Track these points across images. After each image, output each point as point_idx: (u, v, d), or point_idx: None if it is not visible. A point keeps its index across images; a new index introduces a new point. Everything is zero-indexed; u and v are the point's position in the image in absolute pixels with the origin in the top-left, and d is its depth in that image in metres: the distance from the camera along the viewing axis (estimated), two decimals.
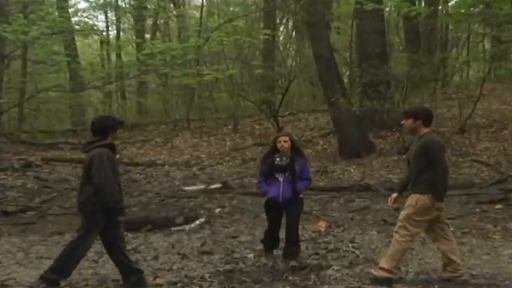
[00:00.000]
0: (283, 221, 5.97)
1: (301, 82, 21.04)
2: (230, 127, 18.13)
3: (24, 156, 15.21)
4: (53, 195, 10.40)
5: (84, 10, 23.50)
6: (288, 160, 5.82)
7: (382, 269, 4.85)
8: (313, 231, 7.12)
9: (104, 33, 24.74)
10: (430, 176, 4.77)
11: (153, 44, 17.56)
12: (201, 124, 18.67)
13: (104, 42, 24.22)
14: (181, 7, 23.42)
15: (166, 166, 14.22)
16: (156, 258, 6.04)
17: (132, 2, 23.55)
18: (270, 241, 6.09)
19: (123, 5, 23.62)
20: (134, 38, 23.71)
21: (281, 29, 25.79)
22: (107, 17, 24.52)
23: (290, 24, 24.93)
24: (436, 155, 4.78)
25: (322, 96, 16.26)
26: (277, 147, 5.89)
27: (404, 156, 9.87)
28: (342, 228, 7.39)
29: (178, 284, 5.04)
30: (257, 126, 18.00)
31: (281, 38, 25.15)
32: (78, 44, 23.60)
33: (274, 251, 6.04)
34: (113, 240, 4.90)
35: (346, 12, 18.62)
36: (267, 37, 18.27)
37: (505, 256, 5.85)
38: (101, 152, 4.75)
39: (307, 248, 6.26)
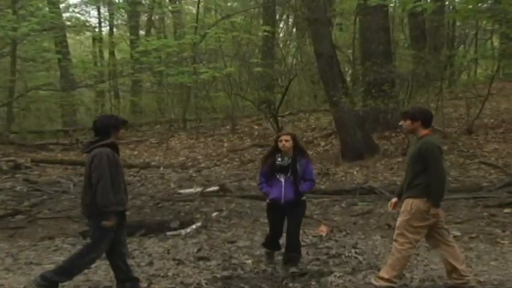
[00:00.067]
0: (285, 225, 5.91)
1: (301, 81, 21.02)
2: (228, 127, 18.06)
3: (13, 158, 15.04)
4: (43, 198, 10.32)
5: (75, 5, 23.32)
6: (290, 160, 5.73)
7: (382, 278, 4.85)
8: (314, 236, 7.12)
9: (97, 30, 24.77)
10: (425, 180, 4.77)
11: (148, 41, 17.46)
12: (197, 124, 18.60)
13: (97, 38, 24.29)
14: (177, 2, 24.19)
15: (162, 168, 14.10)
16: (150, 264, 6.02)
17: None
18: (271, 247, 6.03)
19: (117, 0, 23.74)
20: (128, 34, 23.78)
21: (281, 25, 25.95)
22: (99, 12, 24.67)
23: (290, 20, 25.16)
24: (432, 159, 4.75)
25: (323, 96, 16.25)
26: (278, 146, 5.79)
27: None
28: (344, 232, 7.37)
29: None
30: (256, 127, 17.94)
31: (281, 34, 25.41)
32: (69, 40, 23.65)
33: (276, 253, 6.00)
34: (114, 244, 4.89)
35: (349, 8, 18.67)
36: (266, 34, 18.31)
37: None
38: (102, 151, 4.76)
39: (307, 253, 6.26)
